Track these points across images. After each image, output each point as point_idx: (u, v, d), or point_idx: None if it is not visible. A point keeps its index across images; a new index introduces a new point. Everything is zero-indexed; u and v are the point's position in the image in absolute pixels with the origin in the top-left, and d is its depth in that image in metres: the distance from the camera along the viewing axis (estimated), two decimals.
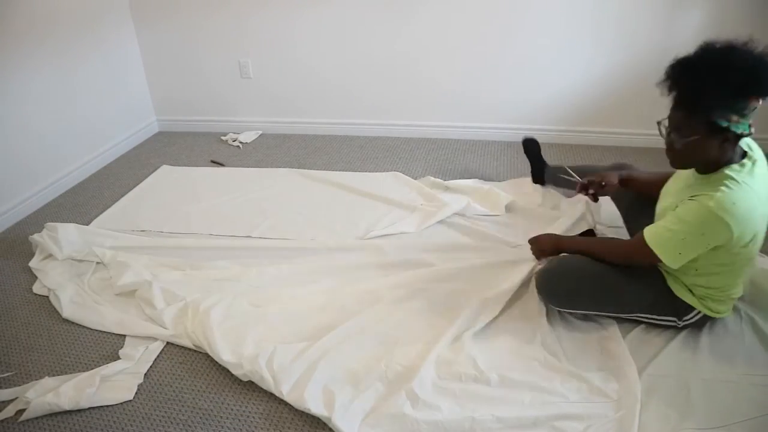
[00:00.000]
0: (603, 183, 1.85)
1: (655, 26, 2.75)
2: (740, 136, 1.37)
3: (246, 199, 2.65)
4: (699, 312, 1.58)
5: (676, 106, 1.39)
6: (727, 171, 1.40)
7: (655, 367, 1.55)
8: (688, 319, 1.61)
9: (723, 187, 1.37)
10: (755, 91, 1.31)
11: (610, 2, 2.75)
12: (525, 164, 2.86)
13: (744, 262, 1.50)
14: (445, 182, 2.65)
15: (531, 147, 2.56)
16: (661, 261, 1.47)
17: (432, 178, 2.70)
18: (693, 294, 1.57)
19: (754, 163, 1.42)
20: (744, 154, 1.44)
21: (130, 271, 2.03)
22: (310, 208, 2.54)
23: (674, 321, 1.62)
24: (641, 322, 1.68)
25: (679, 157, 1.46)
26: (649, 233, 1.48)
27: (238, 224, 2.43)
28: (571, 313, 1.74)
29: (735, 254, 1.45)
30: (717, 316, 1.59)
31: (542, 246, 1.79)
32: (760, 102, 1.33)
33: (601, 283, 1.62)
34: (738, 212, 1.35)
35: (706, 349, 1.60)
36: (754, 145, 1.47)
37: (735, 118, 1.32)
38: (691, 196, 1.42)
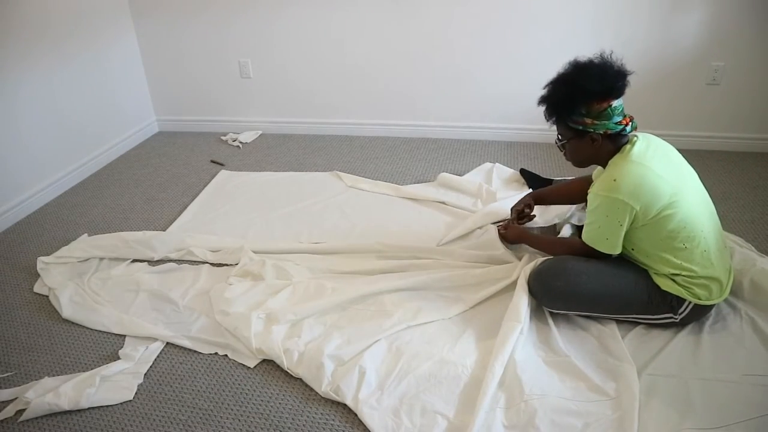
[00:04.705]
0: (523, 213, 2.09)
1: (653, 27, 2.75)
2: (609, 135, 1.56)
3: (324, 205, 2.58)
4: (690, 302, 1.59)
5: (546, 118, 1.63)
6: (611, 160, 1.59)
7: (655, 367, 1.55)
8: (683, 311, 1.60)
9: (606, 173, 1.57)
10: (597, 96, 1.52)
11: (610, 3, 2.76)
12: (524, 165, 2.86)
13: (690, 229, 1.52)
14: (460, 177, 2.68)
15: (527, 175, 2.62)
16: (605, 253, 1.62)
17: (447, 174, 2.70)
18: (676, 283, 1.58)
19: (633, 144, 1.57)
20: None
21: (246, 257, 2.12)
22: (394, 214, 2.48)
23: (671, 317, 1.62)
24: (641, 323, 1.68)
25: (569, 158, 1.70)
26: (584, 235, 1.66)
27: (328, 230, 2.38)
28: (566, 314, 1.74)
29: (666, 220, 1.51)
30: (706, 303, 1.59)
31: (506, 236, 2.02)
32: (612, 103, 1.53)
33: (592, 286, 1.63)
34: (623, 186, 1.50)
35: (706, 349, 1.60)
36: (641, 134, 1.63)
37: (588, 121, 1.55)
38: (588, 192, 1.61)
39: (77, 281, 2.07)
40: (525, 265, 1.86)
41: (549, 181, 2.46)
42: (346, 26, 3.10)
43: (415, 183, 2.76)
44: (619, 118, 1.55)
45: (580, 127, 1.56)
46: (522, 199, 2.13)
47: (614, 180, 1.51)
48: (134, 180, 2.98)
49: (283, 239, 2.32)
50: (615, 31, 2.80)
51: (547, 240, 1.93)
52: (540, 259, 1.80)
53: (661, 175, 1.51)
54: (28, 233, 2.50)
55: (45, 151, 2.78)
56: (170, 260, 2.20)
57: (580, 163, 1.69)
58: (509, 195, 2.46)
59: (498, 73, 3.04)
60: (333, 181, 2.82)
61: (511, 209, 2.12)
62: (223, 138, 3.44)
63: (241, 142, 3.37)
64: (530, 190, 2.46)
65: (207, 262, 2.17)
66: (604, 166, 1.63)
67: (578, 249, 1.69)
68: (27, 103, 2.65)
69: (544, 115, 1.63)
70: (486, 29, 2.95)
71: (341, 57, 3.20)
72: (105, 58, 3.14)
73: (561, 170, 2.78)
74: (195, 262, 2.18)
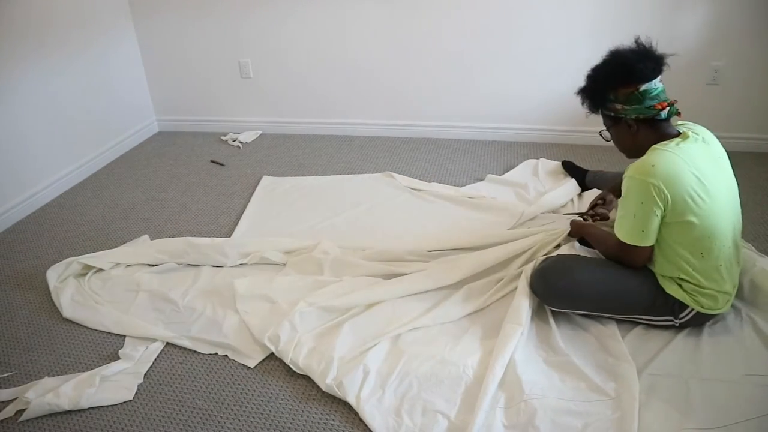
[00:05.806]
0: (595, 212, 2.01)
1: (652, 27, 2.74)
2: (644, 120, 1.53)
3: (384, 208, 2.52)
4: (693, 309, 1.59)
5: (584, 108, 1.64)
6: (653, 147, 1.53)
7: (655, 366, 1.55)
8: (684, 317, 1.60)
9: (645, 157, 1.51)
10: (620, 81, 1.53)
11: (610, 4, 2.76)
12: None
13: (711, 241, 1.50)
14: (505, 176, 2.73)
15: (568, 165, 2.68)
16: (641, 250, 1.56)
17: (493, 176, 2.73)
18: (682, 289, 1.57)
19: (684, 139, 1.52)
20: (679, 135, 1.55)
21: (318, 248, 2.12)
22: (457, 215, 2.43)
23: (671, 320, 1.62)
24: (640, 323, 1.68)
25: (617, 146, 1.67)
26: (616, 230, 1.59)
27: (399, 233, 2.30)
28: (566, 314, 1.74)
29: (690, 227, 1.47)
30: (710, 312, 1.59)
31: (572, 228, 1.94)
32: (640, 88, 1.51)
33: (597, 285, 1.63)
34: (659, 171, 1.44)
35: (707, 349, 1.60)
36: (699, 128, 1.59)
37: (618, 106, 1.54)
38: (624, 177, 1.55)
39: (78, 281, 2.06)
40: (525, 265, 1.85)
41: (584, 171, 2.55)
42: (346, 26, 3.10)
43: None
44: (652, 103, 1.52)
45: (613, 114, 1.57)
46: (598, 195, 2.11)
47: (653, 165, 1.45)
48: (134, 180, 2.98)
49: (360, 240, 2.24)
50: (614, 31, 2.78)
51: (597, 234, 1.80)
52: (541, 258, 1.80)
53: (701, 178, 1.46)
54: (28, 233, 2.50)
55: (45, 151, 2.78)
56: (243, 264, 2.13)
57: (625, 151, 1.66)
58: (555, 188, 2.52)
59: (498, 73, 3.04)
60: (387, 182, 2.75)
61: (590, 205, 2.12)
62: (223, 138, 3.44)
63: (241, 142, 3.37)
64: (573, 180, 2.52)
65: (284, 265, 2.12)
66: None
67: (613, 249, 1.64)
68: (28, 103, 2.65)
69: (582, 106, 1.65)
70: (486, 29, 2.94)
71: (341, 57, 3.20)
72: (105, 58, 3.14)
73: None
74: None
